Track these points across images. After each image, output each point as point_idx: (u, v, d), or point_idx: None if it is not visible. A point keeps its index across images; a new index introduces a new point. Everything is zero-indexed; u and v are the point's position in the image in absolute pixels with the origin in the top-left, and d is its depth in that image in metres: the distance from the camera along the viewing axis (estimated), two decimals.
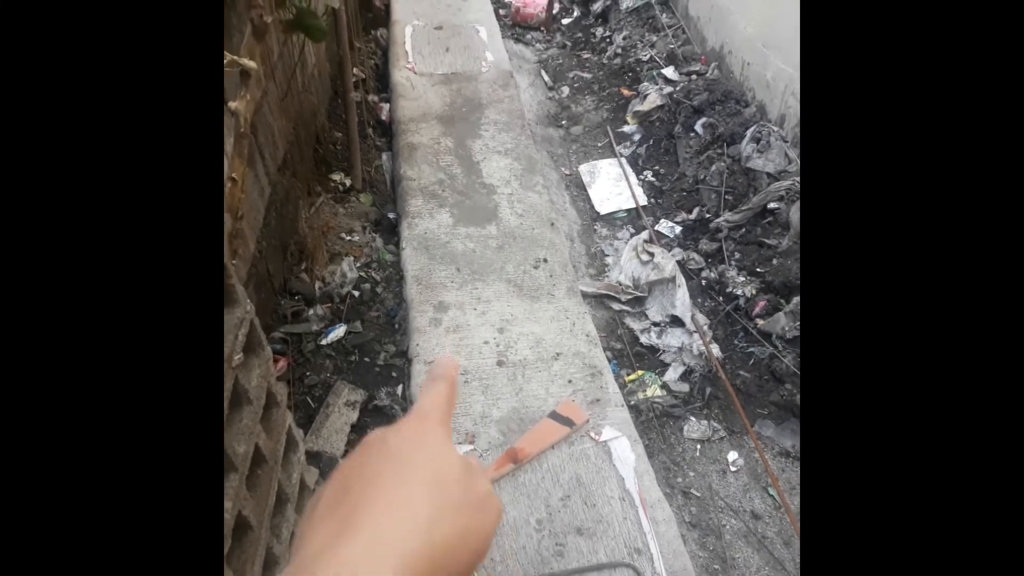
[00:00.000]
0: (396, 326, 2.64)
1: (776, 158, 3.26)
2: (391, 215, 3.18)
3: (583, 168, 3.79)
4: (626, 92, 4.27)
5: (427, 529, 0.34)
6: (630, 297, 2.99)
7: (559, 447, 2.16)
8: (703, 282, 3.04)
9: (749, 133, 3.37)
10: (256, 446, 1.43)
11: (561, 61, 4.82)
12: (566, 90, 4.50)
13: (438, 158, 3.38)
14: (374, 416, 2.29)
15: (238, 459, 1.30)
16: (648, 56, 4.43)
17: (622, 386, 2.59)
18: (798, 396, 2.49)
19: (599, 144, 4.01)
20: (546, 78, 4.62)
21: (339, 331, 2.53)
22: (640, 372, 2.69)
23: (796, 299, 2.73)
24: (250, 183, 2.23)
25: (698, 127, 3.66)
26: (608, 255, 3.30)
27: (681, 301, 2.86)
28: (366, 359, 2.48)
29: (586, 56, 4.84)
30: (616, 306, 2.98)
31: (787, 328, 2.67)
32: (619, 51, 4.66)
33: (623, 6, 4.97)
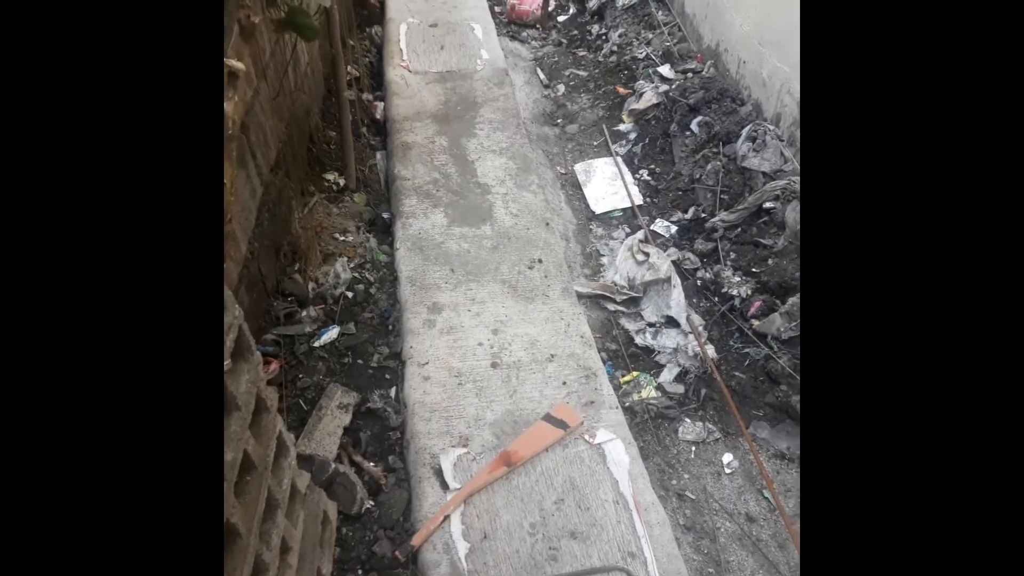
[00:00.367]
0: (390, 327, 2.62)
1: (772, 157, 3.24)
2: (385, 215, 3.16)
3: (579, 167, 3.78)
4: (622, 90, 4.25)
5: None
6: (625, 297, 2.98)
7: (553, 450, 2.15)
8: (698, 282, 3.03)
9: (745, 132, 3.36)
10: (245, 452, 1.42)
11: (557, 59, 4.80)
12: (562, 88, 4.48)
13: (432, 157, 3.36)
14: (367, 419, 2.28)
15: (226, 467, 1.28)
16: (644, 54, 4.41)
17: (617, 387, 2.57)
18: (793, 397, 2.49)
19: (595, 143, 3.99)
20: (542, 76, 4.60)
21: (332, 333, 2.51)
22: (635, 373, 2.67)
23: (791, 300, 2.72)
24: (242, 184, 2.21)
25: (694, 126, 3.64)
26: (603, 255, 3.29)
27: (676, 302, 2.84)
28: (359, 361, 2.47)
29: (582, 54, 4.82)
30: (611, 306, 2.97)
31: (782, 329, 2.66)
32: (615, 49, 4.64)
33: (619, 3, 4.95)
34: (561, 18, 5.28)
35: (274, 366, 2.30)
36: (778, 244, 2.97)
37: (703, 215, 3.30)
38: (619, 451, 2.16)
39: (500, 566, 1.87)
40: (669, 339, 2.80)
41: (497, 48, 4.27)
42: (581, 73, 4.60)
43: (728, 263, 3.04)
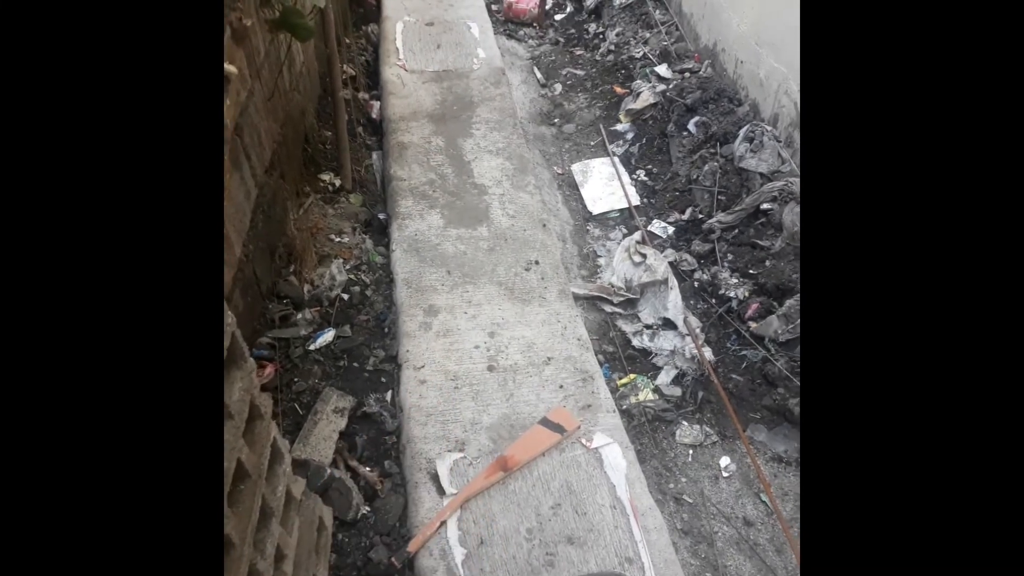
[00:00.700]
0: (386, 330, 2.61)
1: (769, 158, 3.23)
2: (381, 216, 3.14)
3: (576, 167, 3.76)
4: (619, 90, 4.23)
5: None
6: (622, 299, 2.97)
7: (550, 454, 2.14)
8: (695, 284, 3.02)
9: (742, 132, 3.35)
10: (239, 461, 1.40)
11: (554, 58, 4.78)
12: (559, 87, 4.46)
13: (429, 157, 3.34)
14: (363, 423, 2.27)
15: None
16: (641, 53, 4.39)
17: (614, 390, 2.56)
18: (791, 400, 2.48)
19: (592, 143, 3.97)
20: (538, 75, 4.58)
21: (328, 336, 2.49)
22: (632, 376, 2.66)
23: (789, 302, 2.72)
24: (236, 186, 2.18)
25: (691, 126, 3.63)
26: (600, 256, 3.27)
27: (673, 303, 2.83)
28: (355, 364, 2.45)
29: (579, 53, 4.80)
30: (608, 308, 2.96)
31: (780, 331, 2.65)
32: (612, 48, 4.62)
33: (616, 2, 4.93)
34: (558, 16, 5.26)
35: (269, 370, 2.29)
36: (775, 246, 2.96)
37: (700, 216, 3.29)
38: (616, 455, 2.15)
39: (497, 572, 1.86)
40: (666, 341, 2.79)
41: (494, 47, 4.25)
42: (578, 72, 4.58)
43: (725, 264, 3.03)
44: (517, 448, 2.12)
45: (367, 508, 2.04)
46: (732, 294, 2.88)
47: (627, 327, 2.89)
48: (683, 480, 2.35)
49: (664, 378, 2.66)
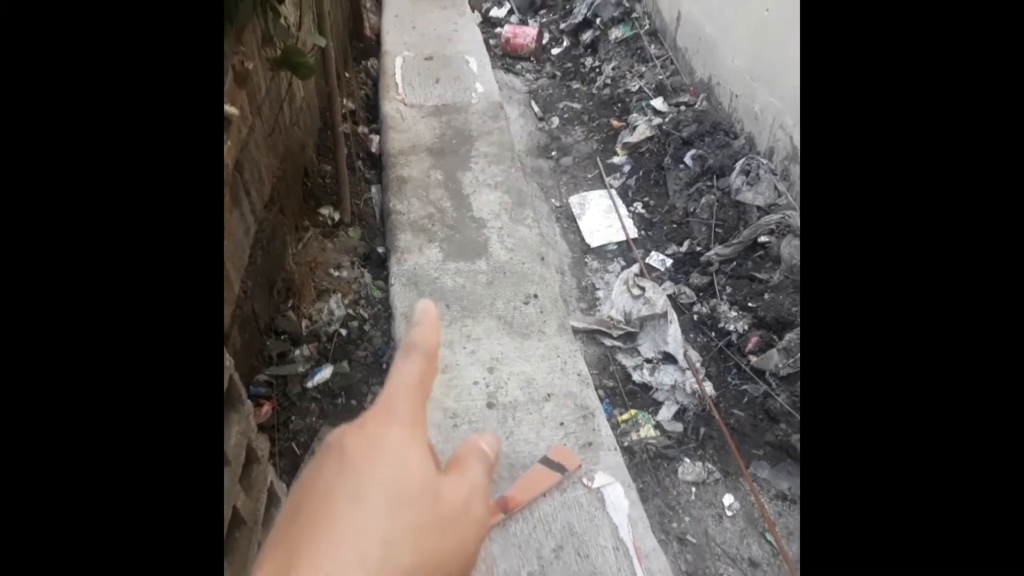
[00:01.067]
0: (384, 366, 2.58)
1: (766, 191, 3.25)
2: (380, 250, 3.14)
3: (573, 199, 3.78)
4: (615, 123, 4.28)
5: (381, 564, 0.30)
6: (622, 332, 2.95)
7: (551, 494, 2.10)
8: (695, 317, 3.01)
9: (739, 165, 3.37)
10: (235, 508, 1.37)
11: (551, 91, 4.84)
12: (556, 121, 4.51)
13: (428, 191, 3.35)
14: None
15: None
16: (637, 87, 4.45)
17: (615, 426, 2.54)
18: (793, 436, 2.45)
19: (589, 175, 4.00)
20: (536, 109, 4.63)
21: (326, 372, 2.47)
22: (633, 411, 2.64)
23: (789, 335, 2.71)
24: (235, 222, 2.18)
25: (688, 159, 3.66)
26: (599, 288, 3.27)
27: (673, 337, 2.82)
28: (352, 402, 2.42)
29: (575, 86, 4.87)
30: (608, 342, 2.95)
31: (781, 365, 2.64)
32: (608, 81, 4.68)
33: (612, 37, 5.01)
34: (555, 51, 5.34)
35: (266, 408, 2.26)
36: (774, 279, 2.96)
37: (698, 248, 3.30)
38: (618, 495, 2.12)
39: None
40: (667, 375, 2.77)
41: (492, 81, 4.30)
42: (575, 106, 4.63)
43: (724, 297, 3.03)
44: (517, 489, 2.09)
45: None
46: (732, 327, 2.87)
47: (627, 361, 2.87)
48: (686, 519, 2.31)
49: (665, 413, 2.64)
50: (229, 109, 1.50)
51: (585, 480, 2.15)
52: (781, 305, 2.84)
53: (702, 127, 3.77)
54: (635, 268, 3.25)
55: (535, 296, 2.85)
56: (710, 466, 2.45)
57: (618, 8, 5.10)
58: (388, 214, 3.23)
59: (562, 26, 5.50)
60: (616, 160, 4.03)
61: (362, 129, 3.87)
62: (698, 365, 2.76)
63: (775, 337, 2.77)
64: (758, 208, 3.24)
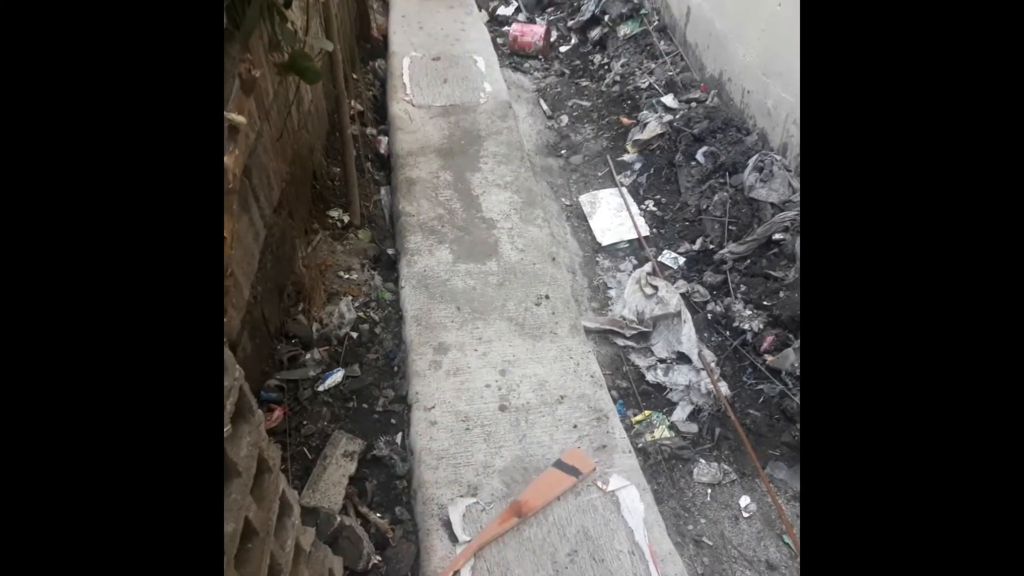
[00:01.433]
0: (395, 369, 2.57)
1: (780, 188, 3.21)
2: (390, 251, 3.13)
3: (583, 198, 3.75)
4: (625, 120, 4.24)
5: None
6: (634, 332, 2.92)
7: (565, 498, 2.08)
8: (709, 316, 2.97)
9: (751, 162, 3.33)
10: (246, 520, 1.36)
11: (560, 89, 4.81)
12: (565, 119, 4.48)
13: (437, 192, 3.34)
14: (373, 467, 2.22)
15: (226, 539, 1.23)
16: (647, 83, 4.41)
17: (629, 428, 2.51)
18: None
19: (599, 174, 3.97)
20: (545, 107, 4.60)
21: (337, 376, 2.46)
22: (647, 412, 2.61)
23: None
24: (244, 228, 2.18)
25: (699, 156, 3.62)
26: (611, 288, 3.24)
27: (687, 337, 2.79)
28: (364, 405, 2.41)
29: (584, 84, 4.83)
30: (620, 342, 2.92)
31: (796, 364, 2.60)
32: (617, 78, 4.64)
33: (620, 33, 4.97)
34: (563, 48, 5.30)
35: (277, 413, 2.26)
36: (789, 276, 2.92)
37: (711, 246, 3.26)
38: (633, 498, 2.09)
39: None
40: (681, 375, 2.74)
41: (500, 80, 4.28)
42: (584, 103, 4.60)
43: (738, 296, 2.99)
44: (531, 492, 2.07)
45: (378, 557, 1.99)
46: (746, 326, 2.84)
47: (640, 361, 2.84)
48: (702, 521, 2.28)
49: (680, 414, 2.61)
50: (236, 118, 1.49)
51: (600, 483, 2.13)
52: (796, 304, 2.79)
53: (713, 124, 3.72)
54: (647, 267, 3.22)
55: (546, 297, 2.82)
56: (726, 467, 2.42)
57: (626, 4, 5.06)
58: (398, 216, 3.22)
59: (570, 23, 5.46)
60: (627, 158, 3.99)
61: (370, 131, 3.86)
62: (713, 365, 2.73)
63: (791, 336, 2.72)
64: (772, 205, 3.19)
